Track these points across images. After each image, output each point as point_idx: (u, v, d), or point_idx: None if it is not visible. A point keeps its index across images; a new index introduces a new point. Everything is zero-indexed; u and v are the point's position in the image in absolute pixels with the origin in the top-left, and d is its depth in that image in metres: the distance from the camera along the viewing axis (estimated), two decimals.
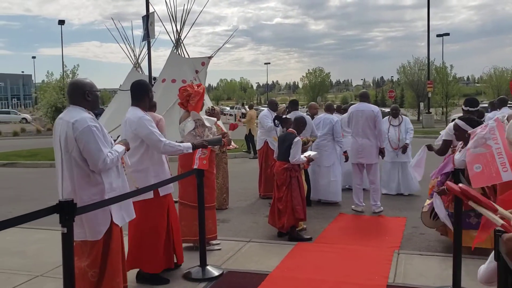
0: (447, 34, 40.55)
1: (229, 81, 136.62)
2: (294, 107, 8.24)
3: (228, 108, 51.37)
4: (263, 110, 9.31)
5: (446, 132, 5.56)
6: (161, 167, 4.27)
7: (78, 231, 3.20)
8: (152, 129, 4.05)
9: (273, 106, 9.03)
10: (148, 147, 4.12)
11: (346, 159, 7.99)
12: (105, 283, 3.36)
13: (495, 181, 2.37)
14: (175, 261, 4.59)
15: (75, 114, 3.25)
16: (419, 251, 5.32)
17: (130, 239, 4.26)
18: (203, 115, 5.49)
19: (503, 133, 2.28)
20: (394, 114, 8.75)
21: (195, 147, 4.39)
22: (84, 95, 3.35)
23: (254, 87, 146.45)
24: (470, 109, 5.82)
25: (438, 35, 40.63)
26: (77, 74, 30.07)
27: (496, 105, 8.66)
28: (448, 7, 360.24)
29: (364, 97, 7.62)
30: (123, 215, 3.50)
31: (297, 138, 5.98)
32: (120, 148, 3.47)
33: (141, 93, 4.22)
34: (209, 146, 4.72)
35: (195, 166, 5.13)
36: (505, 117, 4.06)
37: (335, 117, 8.17)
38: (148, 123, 4.05)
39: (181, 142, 4.63)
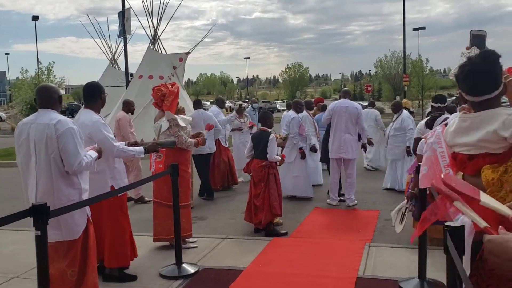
0: (423, 28, 41.20)
1: (209, 75, 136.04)
2: (198, 106, 8.64)
3: (208, 103, 51.15)
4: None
5: (417, 130, 5.68)
6: (116, 169, 4.24)
7: (54, 232, 3.25)
8: (106, 133, 4.03)
9: (220, 103, 9.74)
10: None
11: (303, 156, 7.95)
12: (86, 280, 3.44)
13: None
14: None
15: (53, 116, 3.32)
16: (390, 244, 5.46)
17: (99, 238, 4.22)
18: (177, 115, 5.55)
19: None
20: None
21: (147, 151, 4.43)
22: (59, 99, 3.45)
23: (235, 82, 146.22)
24: (441, 105, 5.97)
25: (414, 29, 41.23)
26: (53, 71, 29.62)
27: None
28: (425, 1, 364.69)
29: (346, 94, 7.89)
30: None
31: (272, 136, 6.09)
32: (94, 154, 3.54)
33: (94, 95, 4.18)
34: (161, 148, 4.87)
35: (152, 170, 5.21)
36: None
37: (294, 114, 7.98)
38: (103, 127, 4.04)
39: (146, 143, 4.64)
